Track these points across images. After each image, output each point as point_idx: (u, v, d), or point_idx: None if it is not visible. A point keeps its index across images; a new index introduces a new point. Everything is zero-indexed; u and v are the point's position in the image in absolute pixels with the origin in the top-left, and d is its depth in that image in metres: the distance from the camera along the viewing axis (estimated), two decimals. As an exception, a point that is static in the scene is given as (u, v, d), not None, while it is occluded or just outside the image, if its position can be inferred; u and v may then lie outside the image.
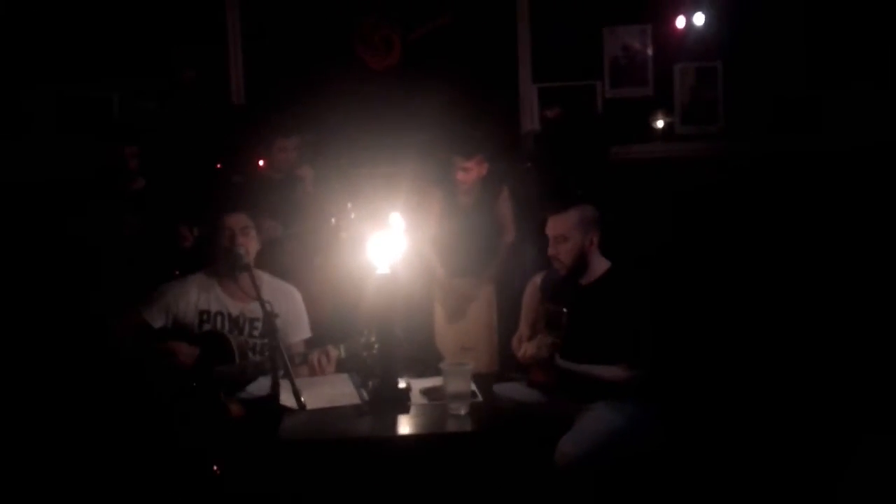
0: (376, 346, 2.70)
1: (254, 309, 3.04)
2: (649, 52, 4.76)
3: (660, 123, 4.77)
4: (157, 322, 3.02)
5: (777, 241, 4.42)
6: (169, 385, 2.82)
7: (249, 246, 3.08)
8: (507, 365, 3.47)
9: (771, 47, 4.62)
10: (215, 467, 2.61)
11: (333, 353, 2.94)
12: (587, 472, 2.60)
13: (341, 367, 2.98)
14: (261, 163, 4.14)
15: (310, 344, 3.15)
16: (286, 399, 2.61)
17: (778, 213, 4.47)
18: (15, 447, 3.27)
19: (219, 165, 4.38)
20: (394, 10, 4.78)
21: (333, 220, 3.93)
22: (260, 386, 2.95)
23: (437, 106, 4.55)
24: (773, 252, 4.40)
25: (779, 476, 3.07)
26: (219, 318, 3.05)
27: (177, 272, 3.54)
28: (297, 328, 3.16)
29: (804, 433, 3.29)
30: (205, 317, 3.05)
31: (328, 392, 2.79)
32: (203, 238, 3.60)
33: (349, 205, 3.91)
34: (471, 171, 3.99)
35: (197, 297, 3.07)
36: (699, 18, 4.66)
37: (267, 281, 3.15)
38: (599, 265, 2.98)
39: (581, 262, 2.95)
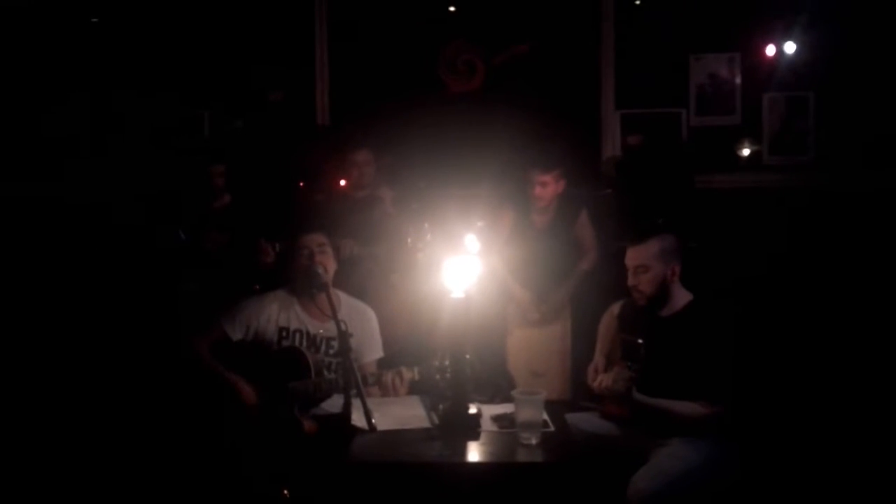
0: (450, 370, 2.69)
1: (330, 328, 3.07)
2: (737, 80, 4.66)
3: (745, 152, 4.66)
4: (237, 335, 3.08)
5: (863, 278, 4.23)
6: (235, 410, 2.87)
7: (327, 264, 3.12)
8: (578, 393, 3.41)
9: (866, 78, 4.45)
10: (286, 491, 2.62)
11: (407, 374, 2.94)
12: (660, 510, 2.53)
13: (414, 389, 2.97)
14: (342, 182, 4.20)
15: (382, 364, 3.16)
16: (357, 419, 2.62)
17: (865, 250, 4.28)
18: (82, 459, 3.37)
19: (301, 184, 4.48)
20: (478, 36, 4.82)
21: (409, 240, 3.95)
22: (333, 404, 2.98)
23: (516, 129, 4.55)
24: (860, 289, 4.21)
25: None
26: (297, 336, 3.10)
27: (257, 287, 3.62)
28: (371, 348, 3.18)
29: (885, 475, 3.13)
30: (284, 333, 3.09)
31: (399, 413, 2.79)
32: (283, 255, 3.66)
33: (426, 225, 3.93)
34: (548, 186, 3.93)
35: (277, 313, 3.12)
36: (790, 47, 4.55)
37: (344, 300, 3.18)
38: (681, 297, 2.90)
39: (662, 293, 2.88)
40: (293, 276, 3.18)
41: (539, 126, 4.58)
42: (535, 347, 4.08)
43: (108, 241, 4.38)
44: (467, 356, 2.62)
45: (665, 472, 2.58)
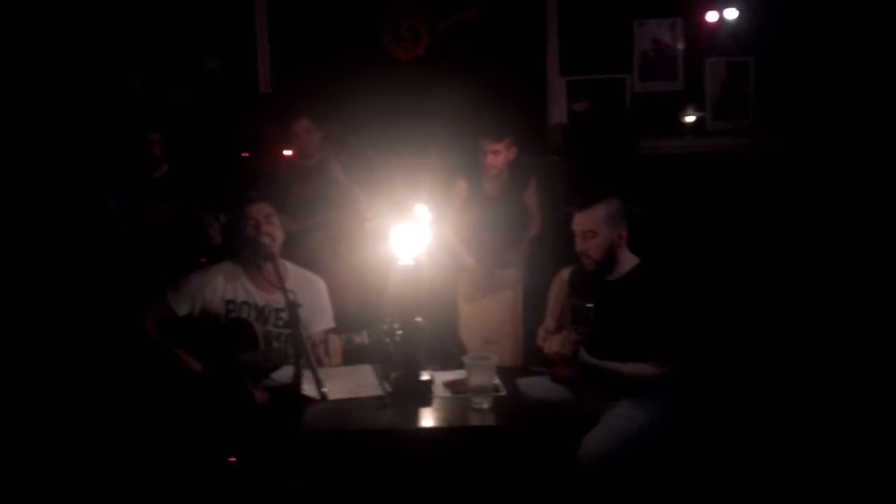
0: (398, 332, 2.68)
1: (279, 299, 3.03)
2: (680, 46, 4.71)
3: (690, 118, 4.72)
4: (183, 310, 3.03)
5: (804, 240, 4.35)
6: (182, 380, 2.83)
7: (275, 234, 3.07)
8: (530, 359, 3.44)
9: (804, 42, 4.53)
10: (232, 458, 2.60)
11: (335, 343, 2.93)
12: (611, 469, 2.59)
13: (365, 355, 2.97)
14: (287, 152, 4.13)
15: (333, 333, 3.14)
16: (308, 389, 2.60)
17: (806, 211, 4.40)
18: (35, 436, 3.30)
19: (245, 154, 4.39)
20: (421, 2, 4.76)
21: (358, 209, 3.92)
22: (284, 374, 2.96)
23: (463, 97, 4.52)
24: (800, 250, 4.33)
25: (803, 474, 3.03)
26: (245, 308, 3.05)
27: (203, 260, 3.55)
28: (320, 317, 3.16)
29: (831, 431, 3.25)
30: (231, 306, 3.05)
31: (350, 382, 2.78)
32: (229, 227, 3.60)
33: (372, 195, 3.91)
34: (500, 155, 3.93)
35: (223, 286, 3.07)
36: (731, 13, 4.60)
37: (291, 270, 3.14)
38: (628, 261, 2.94)
39: (610, 258, 2.91)
40: (239, 248, 3.13)
41: (486, 93, 4.57)
42: (486, 315, 4.10)
43: (41, 217, 4.24)
44: (418, 319, 2.61)
45: (615, 432, 2.64)
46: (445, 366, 2.95)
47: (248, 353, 2.90)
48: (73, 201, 4.01)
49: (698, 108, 4.72)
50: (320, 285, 3.21)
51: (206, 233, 3.87)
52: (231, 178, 4.13)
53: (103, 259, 3.84)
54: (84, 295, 3.78)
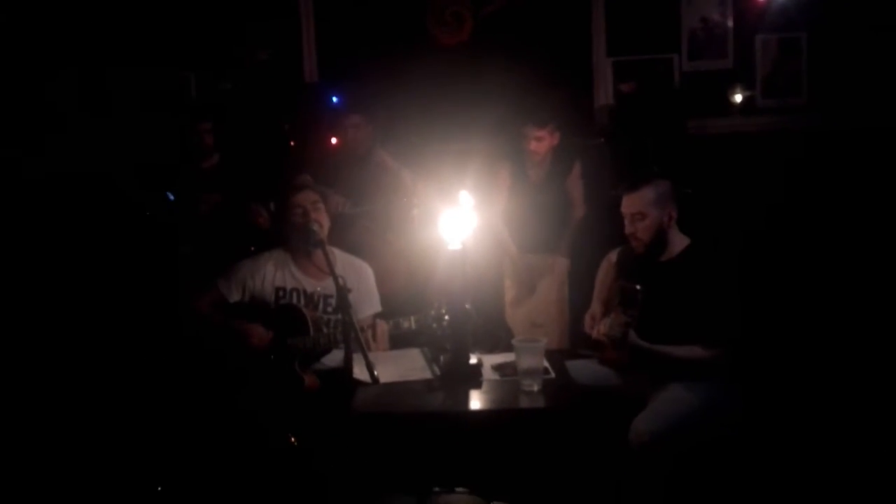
0: (446, 317, 2.69)
1: (327, 285, 3.08)
2: (729, 23, 4.60)
3: (738, 97, 4.62)
4: (234, 297, 3.08)
5: (859, 218, 4.24)
6: (242, 360, 2.88)
7: (322, 221, 3.11)
8: (577, 342, 3.43)
9: (857, 17, 4.40)
10: (292, 438, 2.65)
11: (382, 327, 2.95)
12: (661, 452, 2.56)
13: (412, 340, 2.99)
14: (333, 140, 4.17)
15: (380, 318, 3.17)
16: (359, 373, 2.63)
17: (860, 189, 4.28)
18: (95, 414, 3.40)
19: (292, 143, 4.44)
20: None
21: (405, 196, 3.94)
22: (334, 358, 3.00)
23: (508, 81, 4.50)
24: (857, 231, 4.22)
25: (857, 461, 2.96)
26: (294, 295, 3.10)
27: (252, 248, 3.61)
28: (368, 303, 3.19)
29: (887, 418, 3.17)
30: (281, 293, 3.10)
31: (400, 366, 2.80)
32: (277, 215, 3.65)
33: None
34: (543, 141, 3.92)
35: (273, 273, 3.12)
36: (780, -13, 4.48)
37: (339, 256, 3.18)
38: (678, 242, 2.90)
39: (659, 239, 2.88)
40: (288, 235, 3.17)
41: (531, 77, 4.53)
42: (533, 298, 4.10)
43: (104, 209, 4.35)
44: (467, 306, 2.62)
45: (665, 415, 2.61)
46: (492, 349, 2.97)
47: (298, 338, 2.94)
48: (135, 191, 4.11)
49: (748, 86, 4.62)
50: (367, 270, 3.24)
51: (255, 221, 3.94)
52: (279, 167, 4.18)
53: (168, 245, 3.93)
54: (153, 282, 3.87)
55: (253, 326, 2.94)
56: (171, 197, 3.97)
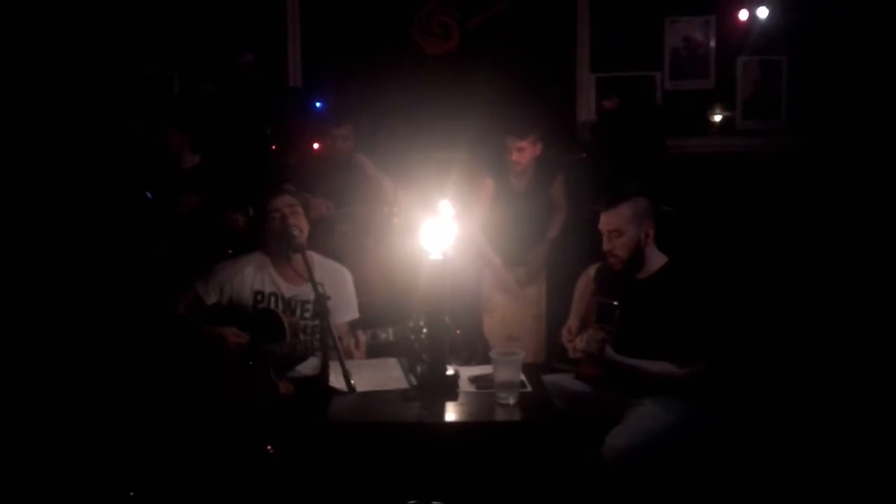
0: (424, 330, 2.69)
1: (305, 291, 3.06)
2: (712, 44, 4.66)
3: (718, 117, 4.67)
4: (211, 299, 3.06)
5: (835, 240, 4.30)
6: (217, 364, 2.86)
7: (301, 226, 3.10)
8: (553, 356, 3.44)
9: (839, 42, 4.47)
10: (269, 447, 2.63)
11: (363, 338, 2.94)
12: (634, 466, 2.59)
13: (390, 351, 2.98)
14: (315, 146, 4.15)
15: (357, 326, 3.16)
16: (336, 381, 2.62)
17: (837, 212, 4.34)
18: (70, 417, 3.36)
19: (273, 147, 4.41)
20: (452, -4, 4.77)
21: (385, 204, 3.93)
22: (308, 365, 2.98)
23: (492, 92, 4.52)
24: (832, 251, 4.28)
25: (829, 476, 3.00)
26: (272, 299, 3.08)
27: (230, 251, 3.59)
28: (346, 309, 3.17)
29: (859, 434, 3.21)
30: (259, 297, 3.07)
31: (376, 375, 2.79)
32: (256, 219, 3.63)
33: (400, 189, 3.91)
34: (525, 151, 3.93)
35: (252, 276, 3.10)
36: (762, 12, 4.54)
37: (318, 261, 3.16)
38: (656, 260, 2.93)
39: (637, 257, 2.90)
40: (267, 240, 3.15)
41: (515, 89, 4.56)
42: (510, 311, 4.10)
43: (78, 201, 4.32)
44: (446, 319, 2.62)
45: (639, 431, 2.63)
46: (468, 361, 2.96)
47: (274, 344, 2.92)
48: (115, 187, 4.07)
49: (729, 107, 4.67)
50: (346, 276, 3.23)
51: (232, 226, 3.90)
52: (260, 171, 4.16)
53: (142, 244, 3.90)
54: (124, 279, 3.83)
55: (227, 330, 2.91)
56: (150, 196, 3.93)
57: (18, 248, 4.41)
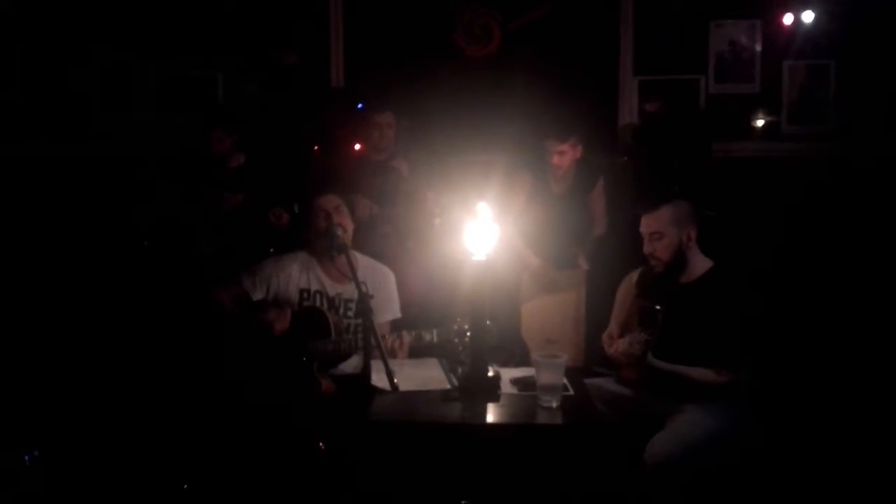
0: (468, 333, 2.69)
1: (349, 289, 3.09)
2: (757, 48, 4.61)
3: (760, 122, 4.62)
4: (258, 294, 3.09)
5: (882, 248, 4.22)
6: (263, 357, 2.89)
7: (346, 225, 3.12)
8: (591, 360, 3.43)
9: (887, 46, 4.40)
10: (321, 444, 2.65)
11: (407, 338, 2.96)
12: (676, 473, 2.56)
13: (433, 352, 2.99)
14: (357, 146, 4.19)
15: (399, 325, 3.18)
16: (378, 379, 2.63)
17: (885, 219, 4.26)
18: (122, 410, 3.43)
19: (316, 148, 4.46)
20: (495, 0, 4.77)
21: (427, 206, 3.95)
22: (351, 364, 3.01)
23: (533, 95, 4.52)
24: (879, 259, 4.20)
25: (876, 484, 2.95)
26: (317, 297, 3.11)
27: (272, 250, 3.63)
28: (388, 309, 3.20)
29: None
30: (305, 295, 3.11)
31: (418, 375, 2.80)
32: (300, 218, 3.67)
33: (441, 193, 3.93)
34: (565, 155, 3.92)
35: (298, 275, 3.13)
36: (808, 16, 4.49)
37: (362, 261, 3.19)
38: (700, 264, 2.91)
39: (679, 260, 2.88)
40: (311, 239, 3.19)
41: (556, 92, 4.55)
42: (549, 314, 4.09)
43: (120, 201, 4.40)
44: (488, 323, 2.62)
45: (682, 437, 2.61)
46: (505, 363, 2.95)
47: (319, 342, 2.95)
48: (161, 184, 4.14)
49: (774, 111, 4.62)
50: (389, 276, 3.25)
51: (276, 224, 3.95)
52: (303, 170, 4.20)
53: (185, 241, 3.96)
54: (172, 275, 3.90)
55: (272, 315, 2.94)
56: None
57: (65, 244, 4.51)
